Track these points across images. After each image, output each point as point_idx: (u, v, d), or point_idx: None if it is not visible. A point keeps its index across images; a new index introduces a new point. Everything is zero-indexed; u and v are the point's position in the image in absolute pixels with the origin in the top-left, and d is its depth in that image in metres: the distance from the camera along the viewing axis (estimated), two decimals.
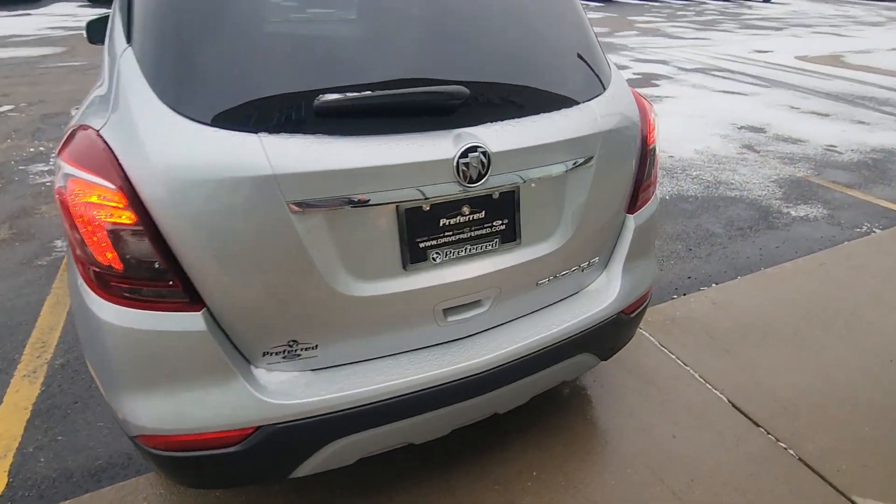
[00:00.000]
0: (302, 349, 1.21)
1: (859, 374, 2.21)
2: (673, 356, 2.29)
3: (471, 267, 1.30)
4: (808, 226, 3.74)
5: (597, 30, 12.98)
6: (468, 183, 1.16)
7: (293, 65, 1.11)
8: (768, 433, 1.92)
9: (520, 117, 1.25)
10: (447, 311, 1.34)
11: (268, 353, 1.19)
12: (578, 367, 1.64)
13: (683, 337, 2.41)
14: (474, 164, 1.15)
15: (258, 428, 1.16)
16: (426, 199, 1.16)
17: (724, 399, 2.07)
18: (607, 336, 1.64)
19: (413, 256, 1.22)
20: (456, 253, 1.27)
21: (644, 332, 2.43)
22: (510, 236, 1.34)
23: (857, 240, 3.47)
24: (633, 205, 1.61)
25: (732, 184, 4.41)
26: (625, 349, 2.32)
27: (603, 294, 1.60)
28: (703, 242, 3.47)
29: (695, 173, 4.61)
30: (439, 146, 1.14)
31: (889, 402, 2.06)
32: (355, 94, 1.09)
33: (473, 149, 1.15)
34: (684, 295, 2.81)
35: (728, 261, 3.24)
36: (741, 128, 5.93)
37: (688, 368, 2.22)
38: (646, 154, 1.58)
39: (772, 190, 4.33)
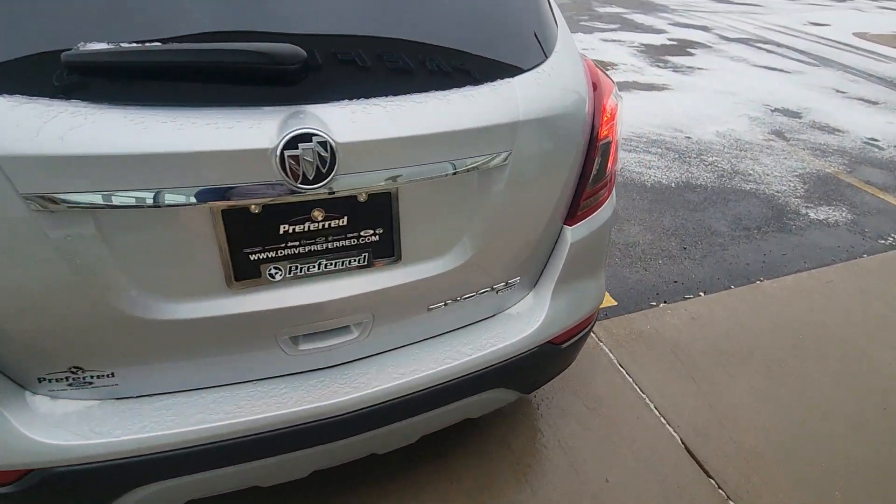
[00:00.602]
0: (92, 377, 0.96)
1: (844, 424, 1.90)
2: (630, 379, 2.00)
3: (329, 287, 1.02)
4: (825, 232, 3.32)
5: None
6: (302, 183, 0.86)
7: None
8: (718, 487, 1.65)
9: (393, 95, 0.92)
10: (299, 339, 1.07)
11: (45, 379, 0.95)
12: (489, 403, 1.37)
13: (647, 356, 2.12)
14: (308, 159, 0.84)
15: (30, 471, 0.93)
16: (250, 200, 0.87)
17: (678, 438, 1.79)
18: (529, 369, 1.36)
19: (241, 272, 0.94)
20: (306, 269, 0.99)
21: (602, 346, 2.14)
22: (386, 251, 1.04)
23: (877, 255, 3.05)
24: (573, 214, 1.28)
25: (750, 175, 3.96)
26: (575, 364, 2.04)
27: (525, 320, 1.31)
28: (702, 241, 3.10)
29: (710, 159, 4.15)
30: (257, 130, 0.82)
31: (872, 463, 1.76)
32: (133, 46, 0.78)
33: (306, 137, 0.84)
34: (664, 303, 2.49)
35: (724, 266, 2.88)
36: (775, 110, 5.35)
37: (643, 396, 1.94)
38: (594, 151, 1.23)
39: (793, 185, 3.87)
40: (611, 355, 2.10)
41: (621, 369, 2.04)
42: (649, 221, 3.24)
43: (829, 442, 1.83)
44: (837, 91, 6.18)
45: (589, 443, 1.75)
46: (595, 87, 1.25)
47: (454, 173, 0.99)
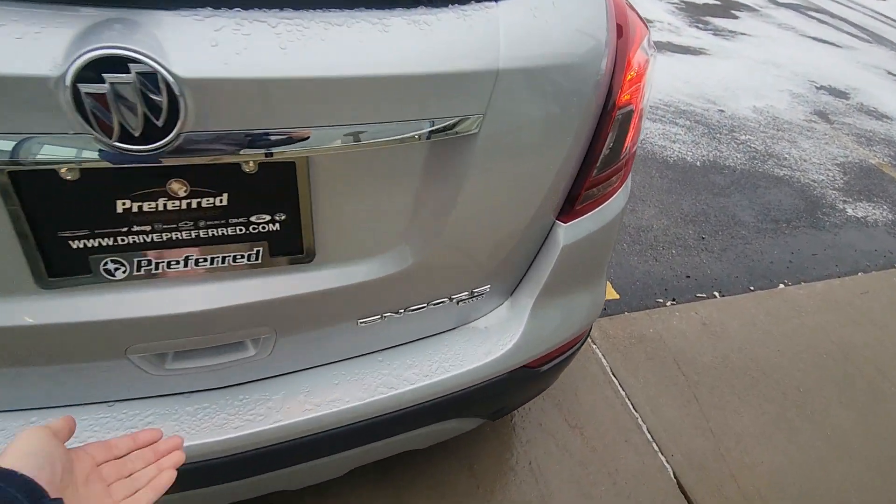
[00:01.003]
0: None
1: (868, 468, 1.63)
2: (623, 392, 1.72)
3: (202, 292, 0.71)
4: (863, 232, 2.96)
5: None
6: (120, 140, 0.53)
7: None
8: None
9: (293, 9, 0.58)
10: (167, 356, 0.78)
11: None
12: (441, 434, 1.09)
13: (646, 366, 1.83)
14: (127, 100, 0.51)
15: None
16: (52, 160, 0.55)
17: (670, 471, 1.53)
18: (496, 397, 1.07)
19: (57, 265, 0.64)
20: (164, 265, 0.68)
21: (596, 350, 1.85)
22: (291, 246, 0.73)
23: None
24: (570, 208, 0.95)
25: (786, 159, 3.55)
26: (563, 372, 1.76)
27: (494, 338, 1.01)
28: (723, 231, 2.75)
29: (743, 137, 3.72)
30: (39, 45, 0.49)
31: None
32: None
33: (117, 63, 0.50)
34: (673, 302, 2.19)
35: (746, 262, 2.55)
36: (820, 88, 4.84)
37: (636, 415, 1.66)
38: (609, 122, 0.88)
39: (832, 175, 3.47)
40: (604, 362, 1.82)
41: (614, 380, 1.76)
42: (667, 204, 2.89)
43: (849, 489, 1.56)
44: (890, 73, 5.61)
45: (565, 468, 1.49)
46: (620, 31, 0.88)
47: (395, 141, 0.66)
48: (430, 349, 0.97)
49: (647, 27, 0.96)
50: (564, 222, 0.96)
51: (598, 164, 0.91)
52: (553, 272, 0.98)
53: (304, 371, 0.89)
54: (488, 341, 1.00)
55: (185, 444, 0.76)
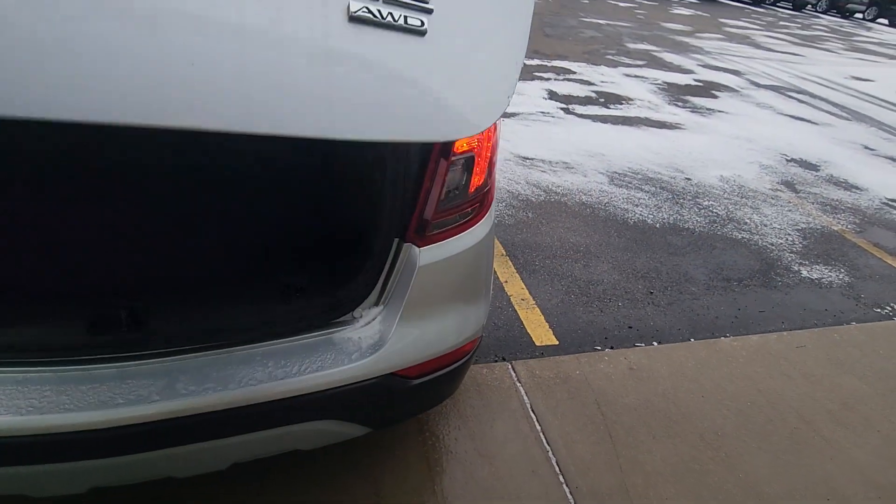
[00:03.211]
0: None
1: None
2: (538, 427, 1.81)
3: None
4: (815, 293, 3.04)
5: (677, 27, 11.81)
6: None
7: None
8: None
9: None
10: None
11: None
12: (319, 436, 1.21)
13: (566, 404, 1.92)
14: None
15: None
16: None
17: (572, 502, 1.59)
18: (369, 403, 1.20)
19: None
20: None
21: (519, 387, 1.96)
22: None
23: (867, 324, 2.76)
24: (423, 234, 1.14)
25: (746, 224, 3.71)
26: (480, 399, 1.86)
27: (361, 345, 1.16)
28: (672, 287, 2.87)
29: (706, 203, 3.92)
30: None
31: None
32: None
33: None
34: (610, 349, 2.29)
35: (690, 316, 2.65)
36: (790, 160, 5.07)
37: (548, 448, 1.74)
38: (439, 162, 1.08)
39: (791, 240, 3.60)
40: (525, 398, 1.91)
41: (532, 415, 1.85)
42: (621, 261, 3.04)
43: None
44: (866, 147, 5.83)
45: (469, 494, 1.56)
46: None
47: None
48: (305, 352, 1.13)
49: None
50: (420, 246, 1.14)
51: (439, 198, 1.11)
52: (414, 289, 1.15)
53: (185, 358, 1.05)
54: (359, 349, 1.15)
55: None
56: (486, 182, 1.18)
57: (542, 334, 2.36)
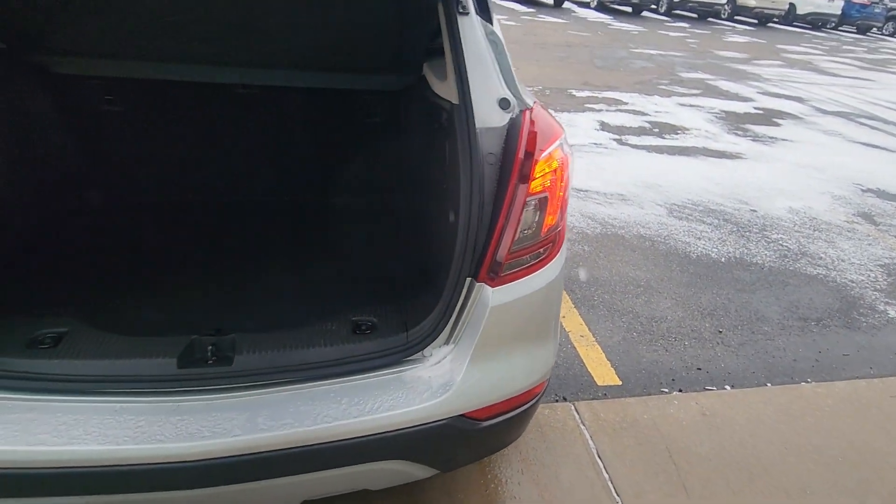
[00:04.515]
0: None
1: None
2: (605, 475, 1.71)
3: None
4: None
5: (732, 55, 11.55)
6: None
7: None
8: None
9: None
10: None
11: None
12: (388, 476, 1.19)
13: (635, 451, 1.81)
14: None
15: None
16: None
17: None
18: (438, 444, 1.17)
19: None
20: None
21: (584, 430, 1.87)
22: None
23: None
24: (496, 275, 1.12)
25: (821, 258, 3.48)
26: (543, 442, 1.79)
27: (432, 386, 1.14)
28: (743, 326, 2.71)
29: (775, 236, 3.72)
30: None
31: None
32: None
33: None
34: (679, 392, 2.17)
35: (765, 358, 2.48)
36: (867, 190, 4.76)
37: (616, 498, 1.64)
38: (517, 199, 1.08)
39: (873, 276, 3.34)
40: (590, 443, 1.82)
41: (598, 461, 1.76)
42: (684, 297, 2.91)
43: None
44: None
45: None
46: (531, 134, 1.11)
47: None
48: (378, 390, 1.13)
49: (562, 128, 1.19)
50: (492, 286, 1.13)
51: (514, 238, 1.10)
52: (485, 329, 1.13)
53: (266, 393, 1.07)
54: (429, 388, 1.14)
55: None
56: (557, 223, 1.17)
57: (604, 373, 2.27)
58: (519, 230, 1.09)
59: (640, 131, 5.85)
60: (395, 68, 1.71)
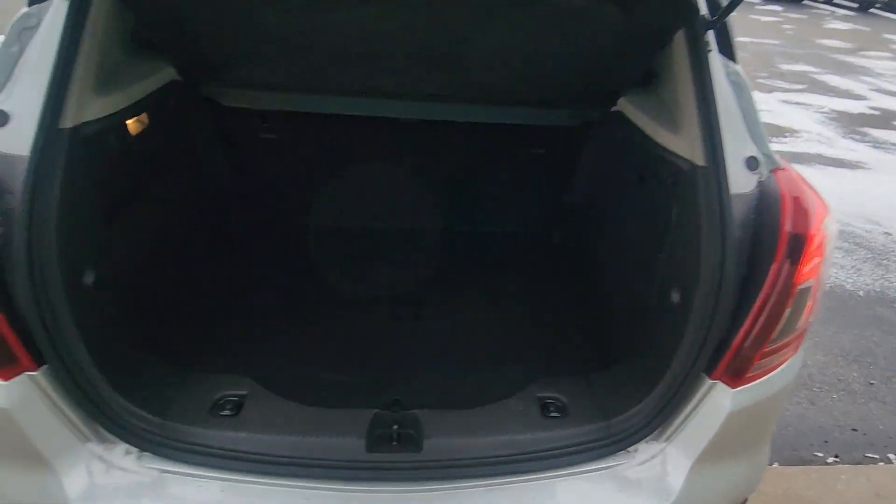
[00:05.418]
0: None
1: None
2: None
3: None
4: None
5: (837, 44, 10.50)
6: None
7: None
8: None
9: None
10: None
11: None
12: None
13: None
14: None
15: None
16: None
17: None
18: None
19: None
20: None
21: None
22: None
23: None
24: (740, 375, 0.93)
25: None
26: None
27: (648, 495, 0.97)
28: None
29: None
30: None
31: None
32: None
33: None
34: (835, 458, 1.91)
35: None
36: None
37: None
38: (782, 292, 0.87)
39: None
40: None
41: None
42: (822, 338, 2.59)
43: None
44: None
45: None
46: (798, 207, 0.90)
47: None
48: (578, 489, 0.97)
49: (826, 205, 0.97)
50: (732, 387, 0.94)
51: (771, 337, 0.90)
52: (719, 433, 0.95)
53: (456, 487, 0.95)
54: (639, 491, 0.97)
55: None
56: (811, 313, 0.96)
57: None
58: (782, 324, 0.89)
59: None
60: (581, 102, 1.52)
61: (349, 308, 1.52)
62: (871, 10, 16.49)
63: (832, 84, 7.58)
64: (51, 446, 0.89)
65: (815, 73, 8.15)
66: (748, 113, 1.01)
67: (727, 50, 1.07)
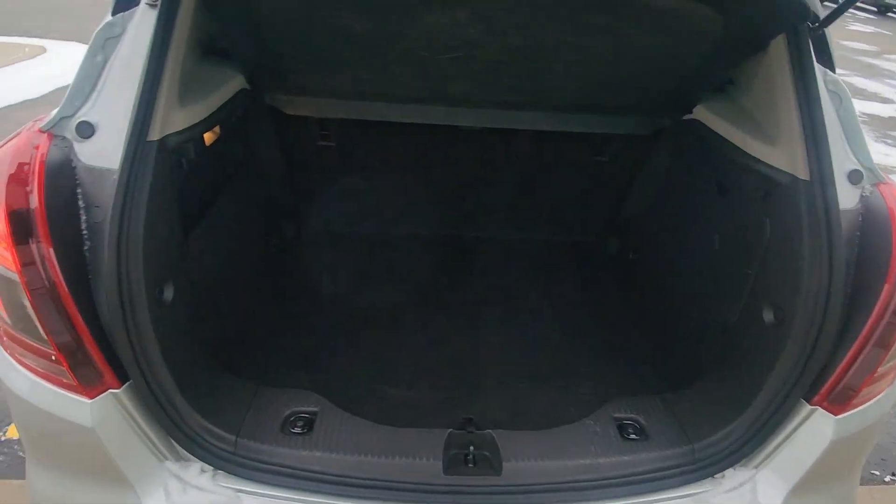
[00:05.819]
0: None
1: None
2: None
3: None
4: None
5: (859, 46, 10.29)
6: None
7: None
8: None
9: None
10: None
11: None
12: None
13: None
14: None
15: None
16: None
17: None
18: None
19: None
20: None
21: None
22: None
23: None
24: (847, 400, 0.88)
25: None
26: None
27: None
28: None
29: None
30: None
31: None
32: None
33: None
34: (892, 478, 1.84)
35: None
36: None
37: None
38: None
39: None
40: None
41: None
42: None
43: None
44: None
45: None
46: None
47: None
48: None
49: None
50: (835, 414, 0.89)
51: (882, 362, 0.85)
52: (816, 465, 0.90)
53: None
54: None
55: None
56: None
57: None
58: (894, 348, 0.84)
59: None
60: (655, 109, 1.48)
61: (411, 319, 1.50)
62: (889, 13, 16.25)
63: (860, 86, 7.44)
64: (132, 465, 0.88)
65: (844, 75, 7.97)
66: (848, 124, 0.96)
67: (825, 57, 1.02)
